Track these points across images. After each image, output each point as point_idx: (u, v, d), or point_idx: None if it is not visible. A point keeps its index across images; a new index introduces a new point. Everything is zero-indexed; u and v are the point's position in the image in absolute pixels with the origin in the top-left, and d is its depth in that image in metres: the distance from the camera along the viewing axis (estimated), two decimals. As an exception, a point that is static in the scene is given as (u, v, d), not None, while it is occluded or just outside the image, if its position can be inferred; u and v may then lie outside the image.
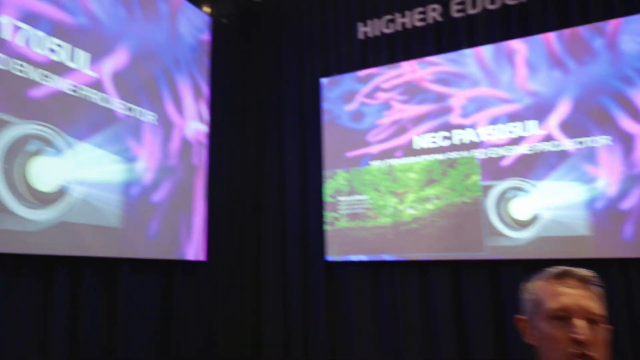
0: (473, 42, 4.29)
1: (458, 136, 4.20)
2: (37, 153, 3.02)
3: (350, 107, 4.70)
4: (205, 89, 4.59)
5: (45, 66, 3.11)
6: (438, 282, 4.10)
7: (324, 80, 4.88)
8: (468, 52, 4.25)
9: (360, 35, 4.82)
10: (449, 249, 4.07)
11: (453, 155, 4.20)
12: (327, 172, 4.70)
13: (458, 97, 4.24)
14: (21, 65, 2.96)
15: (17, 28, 2.97)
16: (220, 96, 4.78)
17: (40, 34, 3.10)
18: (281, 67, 5.21)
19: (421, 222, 4.21)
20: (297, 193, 4.85)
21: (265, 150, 5.11)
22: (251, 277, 4.84)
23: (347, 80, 4.76)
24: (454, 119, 4.24)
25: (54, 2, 3.22)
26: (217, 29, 4.87)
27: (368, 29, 4.79)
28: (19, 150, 2.92)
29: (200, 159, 4.42)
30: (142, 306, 3.67)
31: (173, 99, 4.17)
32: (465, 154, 4.15)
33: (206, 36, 4.69)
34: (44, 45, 3.12)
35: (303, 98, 5.04)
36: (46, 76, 3.11)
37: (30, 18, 3.05)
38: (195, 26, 4.55)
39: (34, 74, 3.03)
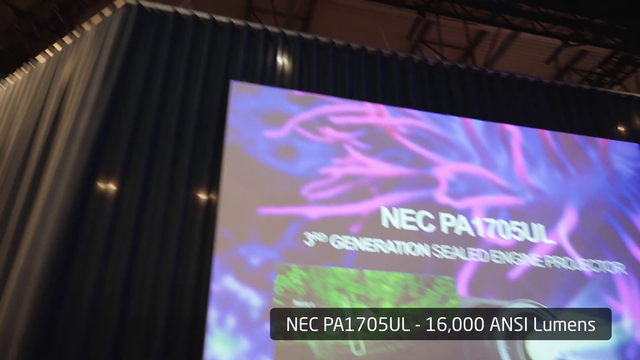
0: None
1: None
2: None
3: None
4: (664, 216, 4.08)
5: (513, 248, 3.52)
6: None
7: None
8: None
9: None
10: None
11: None
12: None
13: None
14: (497, 254, 3.46)
15: (486, 224, 3.56)
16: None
17: (503, 222, 3.60)
18: None
19: None
20: None
21: None
22: None
23: None
24: None
25: (505, 192, 3.74)
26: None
27: None
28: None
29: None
30: None
31: (633, 239, 3.86)
32: None
33: (641, 162, 4.33)
34: (507, 231, 3.58)
35: None
36: (517, 257, 3.49)
37: (493, 212, 3.62)
38: (627, 157, 4.29)
39: (507, 258, 3.47)
